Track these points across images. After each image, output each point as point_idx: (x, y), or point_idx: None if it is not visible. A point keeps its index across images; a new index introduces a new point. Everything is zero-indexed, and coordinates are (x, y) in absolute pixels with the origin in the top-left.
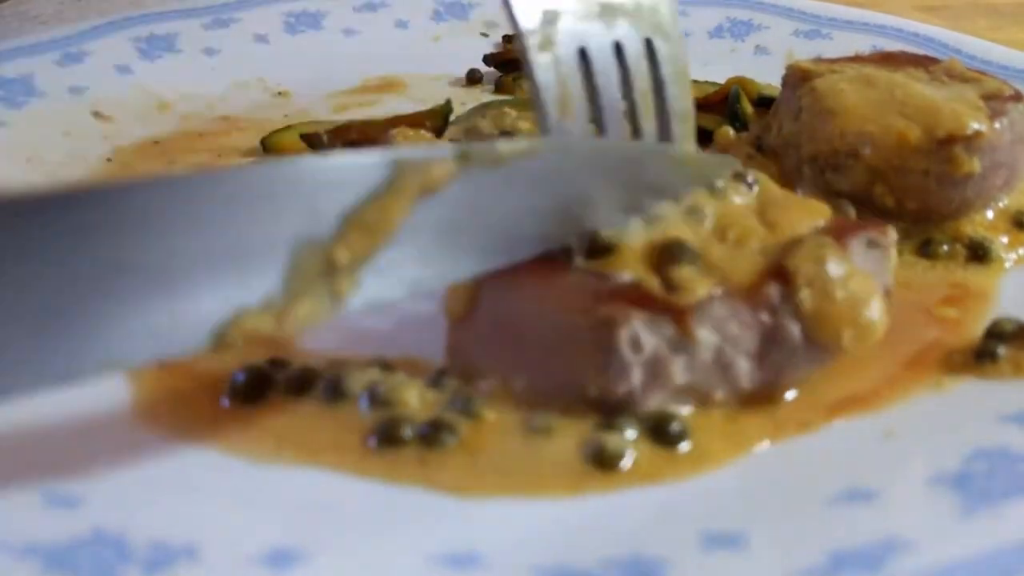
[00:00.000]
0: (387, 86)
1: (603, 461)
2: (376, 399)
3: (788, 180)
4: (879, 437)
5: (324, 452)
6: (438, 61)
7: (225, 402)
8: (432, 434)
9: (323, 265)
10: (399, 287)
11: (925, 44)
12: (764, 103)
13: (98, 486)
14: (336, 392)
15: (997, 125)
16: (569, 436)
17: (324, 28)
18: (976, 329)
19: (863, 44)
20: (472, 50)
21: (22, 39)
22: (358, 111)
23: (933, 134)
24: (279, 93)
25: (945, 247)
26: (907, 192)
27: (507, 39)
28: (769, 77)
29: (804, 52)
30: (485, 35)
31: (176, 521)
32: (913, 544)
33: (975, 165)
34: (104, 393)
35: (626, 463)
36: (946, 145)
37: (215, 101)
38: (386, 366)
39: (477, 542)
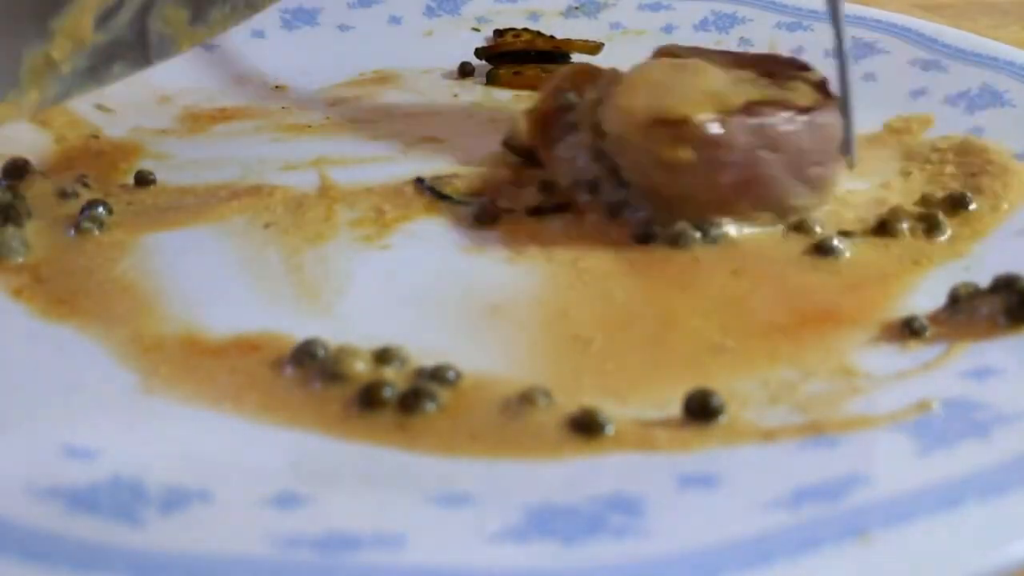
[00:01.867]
0: (381, 80)
1: (586, 428)
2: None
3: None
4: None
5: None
6: (431, 55)
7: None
8: (412, 400)
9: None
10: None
11: (915, 38)
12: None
13: (114, 441)
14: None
15: (734, 124)
16: (551, 406)
17: (319, 24)
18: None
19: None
20: (464, 44)
21: None
22: (354, 103)
23: (649, 113)
24: (276, 87)
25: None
26: (639, 169)
27: (498, 33)
28: None
29: (787, 44)
30: (477, 30)
31: (189, 470)
32: (871, 479)
33: (686, 153)
34: (111, 362)
35: (610, 430)
36: (656, 126)
37: (215, 94)
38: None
39: (466, 485)
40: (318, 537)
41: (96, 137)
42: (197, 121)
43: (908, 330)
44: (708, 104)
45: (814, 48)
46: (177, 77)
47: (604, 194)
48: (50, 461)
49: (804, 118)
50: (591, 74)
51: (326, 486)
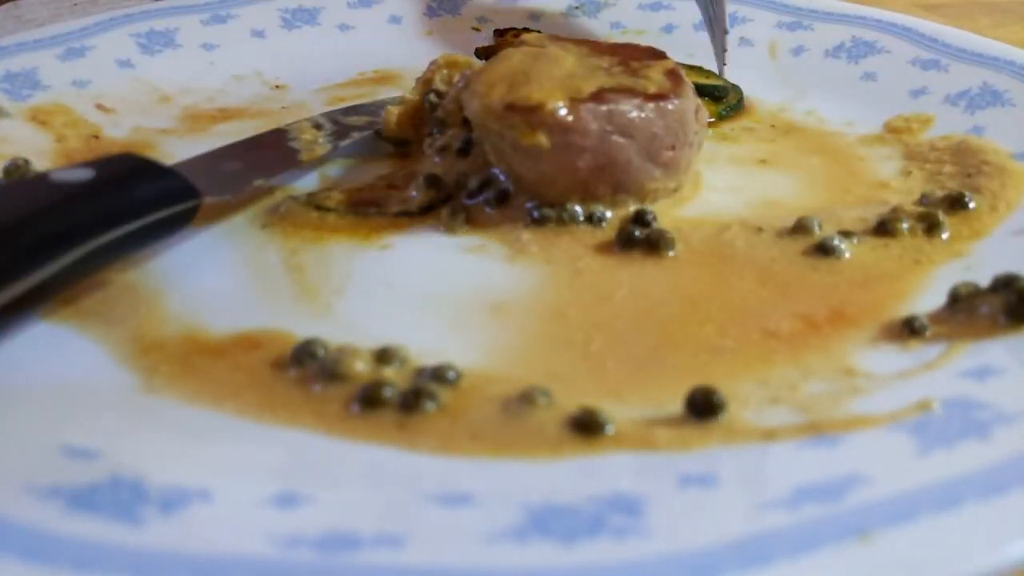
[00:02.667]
0: (381, 79)
1: (586, 427)
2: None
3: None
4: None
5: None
6: (431, 54)
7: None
8: (412, 400)
9: None
10: None
11: (915, 37)
12: None
13: (114, 441)
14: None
15: (586, 110)
16: (552, 405)
17: (320, 24)
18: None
19: (843, 35)
20: (464, 44)
21: (25, 35)
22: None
23: (505, 100)
24: (276, 86)
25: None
26: (499, 155)
27: (498, 33)
28: (752, 67)
29: (787, 43)
30: (477, 29)
31: (189, 469)
32: (871, 479)
33: (539, 139)
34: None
35: (610, 430)
36: (510, 112)
37: (214, 94)
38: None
39: (466, 485)
40: (318, 537)
41: (96, 137)
42: (197, 121)
43: (908, 329)
44: (561, 91)
45: (815, 47)
46: (177, 77)
47: (471, 186)
48: (50, 461)
49: (653, 105)
50: (460, 65)
51: (326, 486)
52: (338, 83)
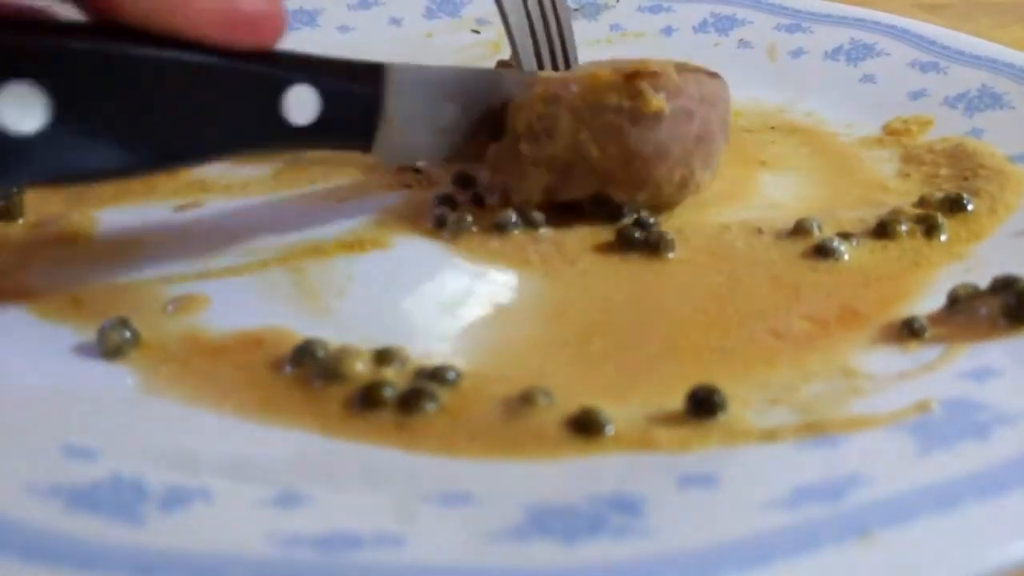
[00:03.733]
0: None
1: (586, 428)
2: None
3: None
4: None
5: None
6: (430, 57)
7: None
8: (412, 400)
9: None
10: None
11: (914, 39)
12: None
13: (114, 440)
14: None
15: (686, 76)
16: (552, 405)
17: (319, 26)
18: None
19: (842, 37)
20: (464, 45)
21: None
22: None
23: (621, 71)
24: None
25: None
26: (607, 134)
27: None
28: (752, 70)
29: (786, 45)
30: (476, 32)
31: (189, 469)
32: (871, 479)
33: (661, 103)
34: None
35: (610, 430)
36: (632, 79)
37: None
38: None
39: (466, 485)
40: (318, 536)
41: None
42: None
43: (908, 331)
44: (649, 60)
45: (814, 49)
46: None
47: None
48: (51, 460)
49: (718, 80)
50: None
51: (326, 486)
52: None
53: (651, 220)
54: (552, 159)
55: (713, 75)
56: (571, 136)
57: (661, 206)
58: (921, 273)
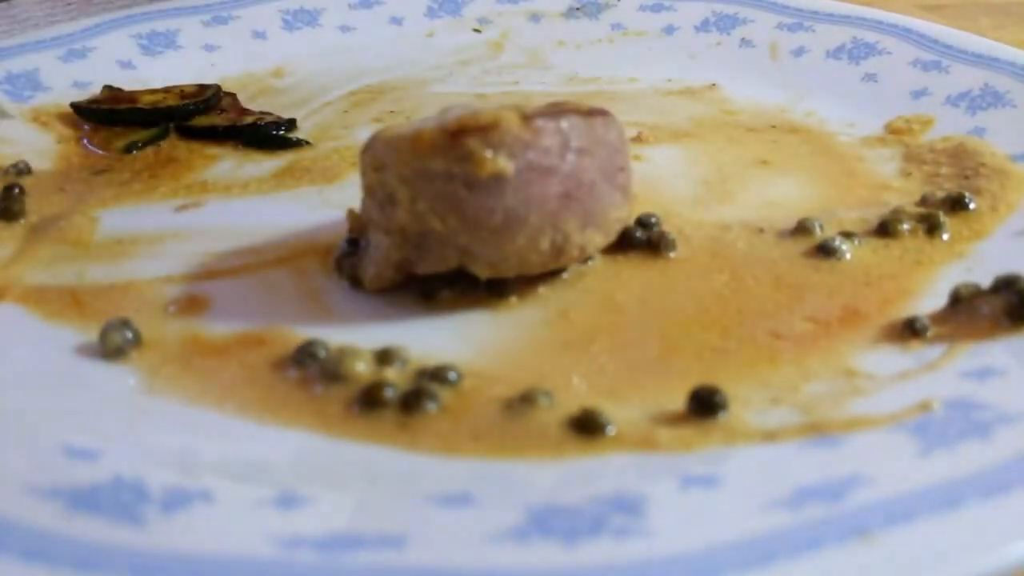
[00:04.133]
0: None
1: (587, 428)
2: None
3: None
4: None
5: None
6: (431, 56)
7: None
8: (413, 401)
9: None
10: None
11: (916, 39)
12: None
13: (115, 441)
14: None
15: (542, 123)
16: (553, 406)
17: (321, 25)
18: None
19: (844, 36)
20: (464, 45)
21: (26, 36)
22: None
23: (445, 128)
24: (277, 88)
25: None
26: (443, 203)
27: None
28: (753, 68)
29: (788, 44)
30: (477, 31)
31: (190, 470)
32: (872, 479)
33: (499, 163)
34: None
35: (611, 430)
36: (459, 138)
37: None
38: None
39: (467, 486)
40: (319, 537)
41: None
42: None
43: (909, 330)
44: (488, 111)
45: (816, 48)
46: (178, 78)
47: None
48: (52, 461)
49: (600, 118)
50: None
51: (327, 486)
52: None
53: (652, 219)
54: (401, 229)
55: (595, 113)
56: (409, 205)
57: (541, 275)
58: (923, 272)
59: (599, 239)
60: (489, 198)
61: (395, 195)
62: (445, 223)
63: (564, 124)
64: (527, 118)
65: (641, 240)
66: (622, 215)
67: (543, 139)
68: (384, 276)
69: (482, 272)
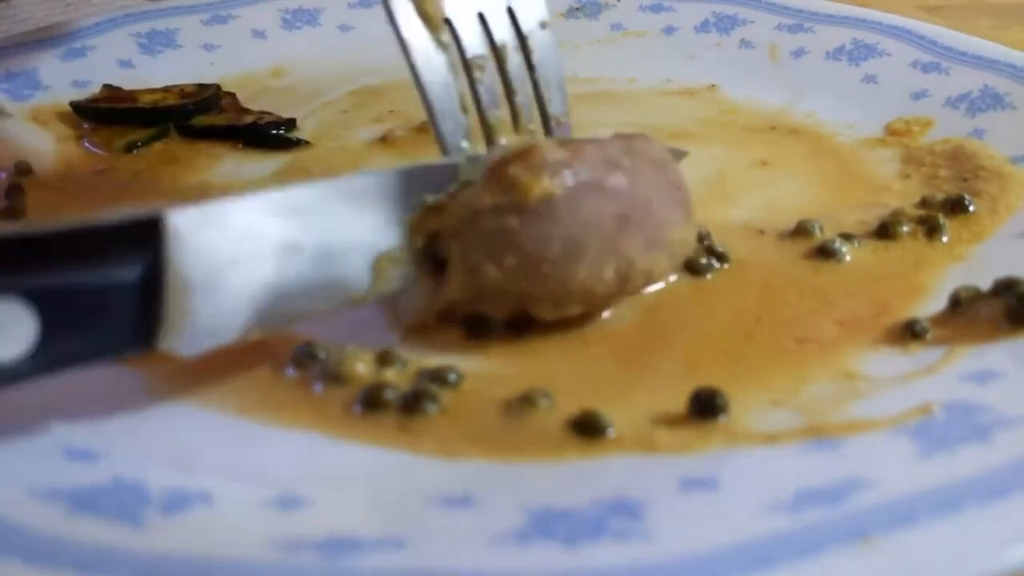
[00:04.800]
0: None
1: (587, 430)
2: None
3: None
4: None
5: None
6: None
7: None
8: (413, 402)
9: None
10: None
11: (916, 40)
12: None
13: (115, 443)
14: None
15: (573, 143)
16: (553, 408)
17: (320, 24)
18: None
19: (844, 37)
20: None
21: (25, 35)
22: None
23: (487, 164)
24: (276, 88)
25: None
26: (497, 243)
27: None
28: (753, 70)
29: (787, 45)
30: None
31: (190, 472)
32: (872, 482)
33: (546, 183)
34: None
35: (611, 432)
36: (500, 170)
37: None
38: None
39: (467, 488)
40: (319, 539)
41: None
42: None
43: (909, 333)
44: (534, 140)
45: (815, 49)
46: (177, 78)
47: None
48: (52, 463)
49: (635, 137)
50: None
51: (327, 488)
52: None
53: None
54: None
55: (628, 135)
56: (462, 261)
57: (604, 308)
58: (922, 274)
59: (664, 262)
60: (543, 226)
61: (448, 259)
62: (502, 266)
63: (600, 142)
64: (561, 142)
65: (707, 267)
66: (687, 237)
67: (583, 155)
68: (426, 321)
69: (547, 314)
